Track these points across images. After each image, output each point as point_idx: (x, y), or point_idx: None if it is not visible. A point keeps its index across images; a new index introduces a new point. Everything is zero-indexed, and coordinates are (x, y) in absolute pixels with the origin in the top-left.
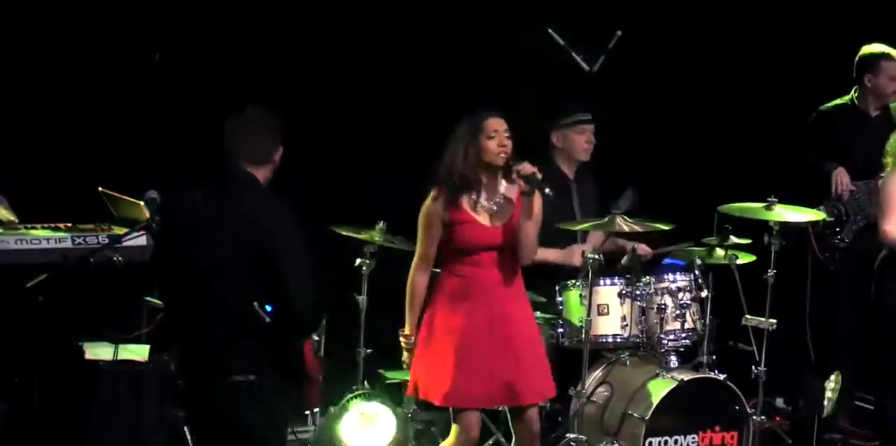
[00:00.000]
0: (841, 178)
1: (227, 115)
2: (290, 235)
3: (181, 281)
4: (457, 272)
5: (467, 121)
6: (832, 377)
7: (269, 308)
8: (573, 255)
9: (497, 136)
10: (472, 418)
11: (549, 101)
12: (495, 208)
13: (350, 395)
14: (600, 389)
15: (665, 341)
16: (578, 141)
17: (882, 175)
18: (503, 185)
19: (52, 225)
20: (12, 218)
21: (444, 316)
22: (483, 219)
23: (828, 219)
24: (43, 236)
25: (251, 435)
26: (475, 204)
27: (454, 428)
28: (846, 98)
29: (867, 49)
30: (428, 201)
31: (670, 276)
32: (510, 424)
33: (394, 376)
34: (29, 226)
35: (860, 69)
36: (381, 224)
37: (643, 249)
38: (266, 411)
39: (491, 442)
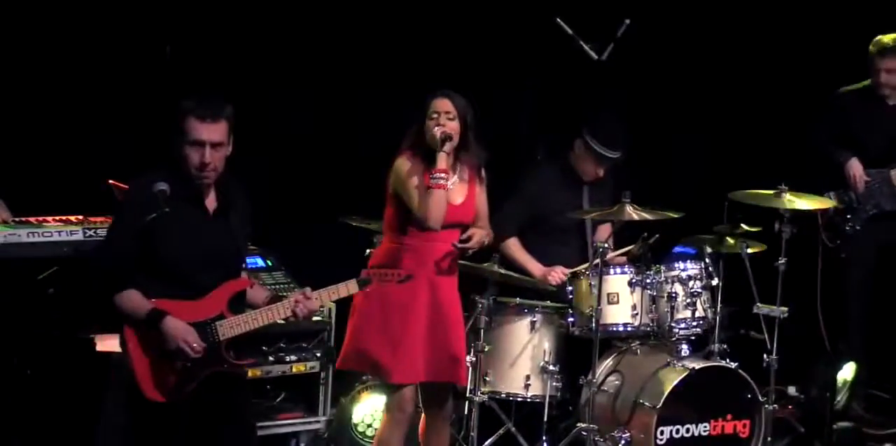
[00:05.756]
0: (855, 171)
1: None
2: None
3: None
4: (408, 245)
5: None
6: (847, 367)
7: None
8: (553, 275)
9: (437, 117)
10: (408, 394)
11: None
12: (451, 187)
13: (360, 386)
14: (611, 378)
15: (676, 330)
16: (590, 166)
17: None
18: (458, 167)
19: (64, 218)
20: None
21: (390, 291)
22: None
23: (838, 206)
24: (54, 229)
25: None
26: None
27: (386, 407)
28: (865, 82)
29: (874, 41)
30: (401, 160)
31: (681, 265)
32: (421, 403)
33: None
34: (41, 219)
35: (868, 60)
36: None
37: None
38: None
39: (501, 431)
